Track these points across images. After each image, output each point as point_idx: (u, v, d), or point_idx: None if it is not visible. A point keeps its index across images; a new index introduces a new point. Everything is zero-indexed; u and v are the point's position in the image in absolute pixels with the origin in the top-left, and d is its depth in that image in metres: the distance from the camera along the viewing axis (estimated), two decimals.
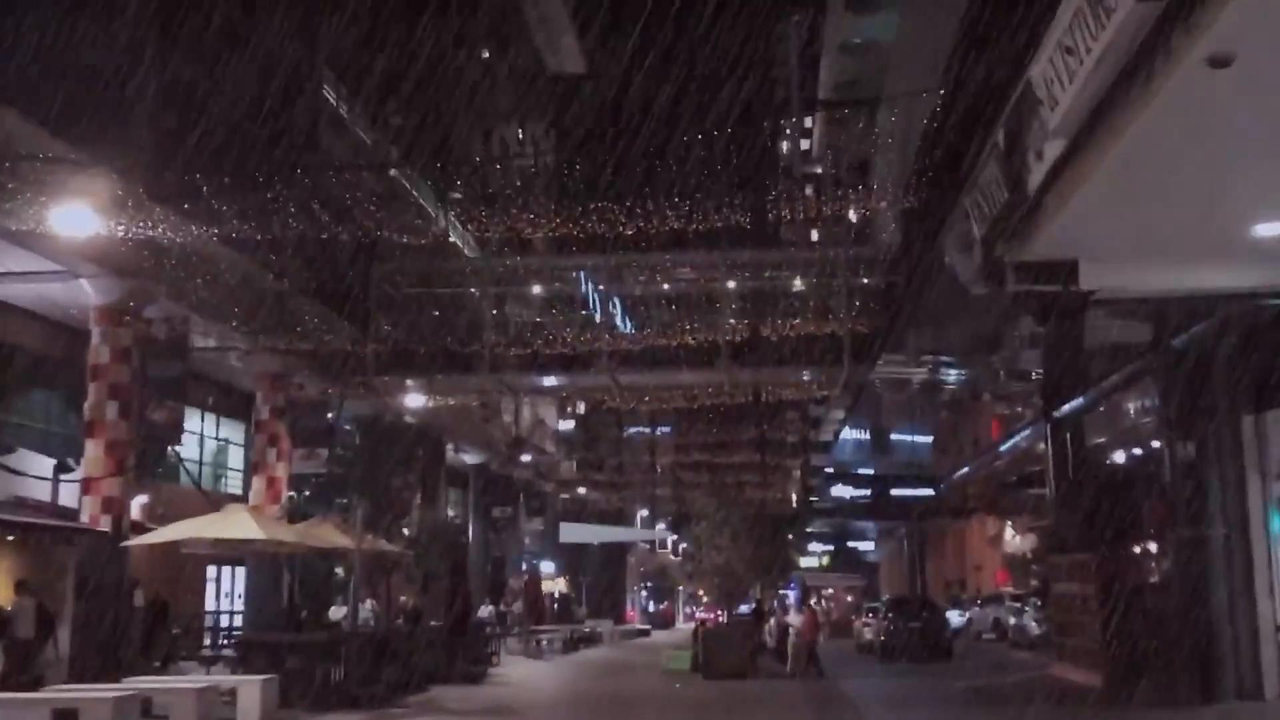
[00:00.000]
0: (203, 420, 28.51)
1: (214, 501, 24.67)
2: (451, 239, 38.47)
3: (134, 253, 19.44)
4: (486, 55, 47.95)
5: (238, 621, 28.45)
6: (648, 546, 69.93)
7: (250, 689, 15.62)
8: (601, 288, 30.50)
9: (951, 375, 34.60)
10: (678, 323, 28.73)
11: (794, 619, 27.71)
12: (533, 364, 29.46)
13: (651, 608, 76.73)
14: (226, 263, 22.99)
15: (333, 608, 26.49)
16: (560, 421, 54.26)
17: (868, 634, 35.08)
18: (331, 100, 32.71)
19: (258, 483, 26.79)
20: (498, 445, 42.79)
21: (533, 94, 54.35)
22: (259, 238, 20.45)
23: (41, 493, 21.43)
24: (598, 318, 30.17)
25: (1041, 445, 24.10)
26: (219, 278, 22.79)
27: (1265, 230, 11.89)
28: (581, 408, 51.76)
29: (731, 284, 29.92)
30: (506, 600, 40.96)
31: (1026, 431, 32.27)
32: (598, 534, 59.95)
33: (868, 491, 61.11)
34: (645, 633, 54.28)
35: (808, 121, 70.70)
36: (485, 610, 35.05)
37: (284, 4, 26.78)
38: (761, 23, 65.10)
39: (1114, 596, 17.75)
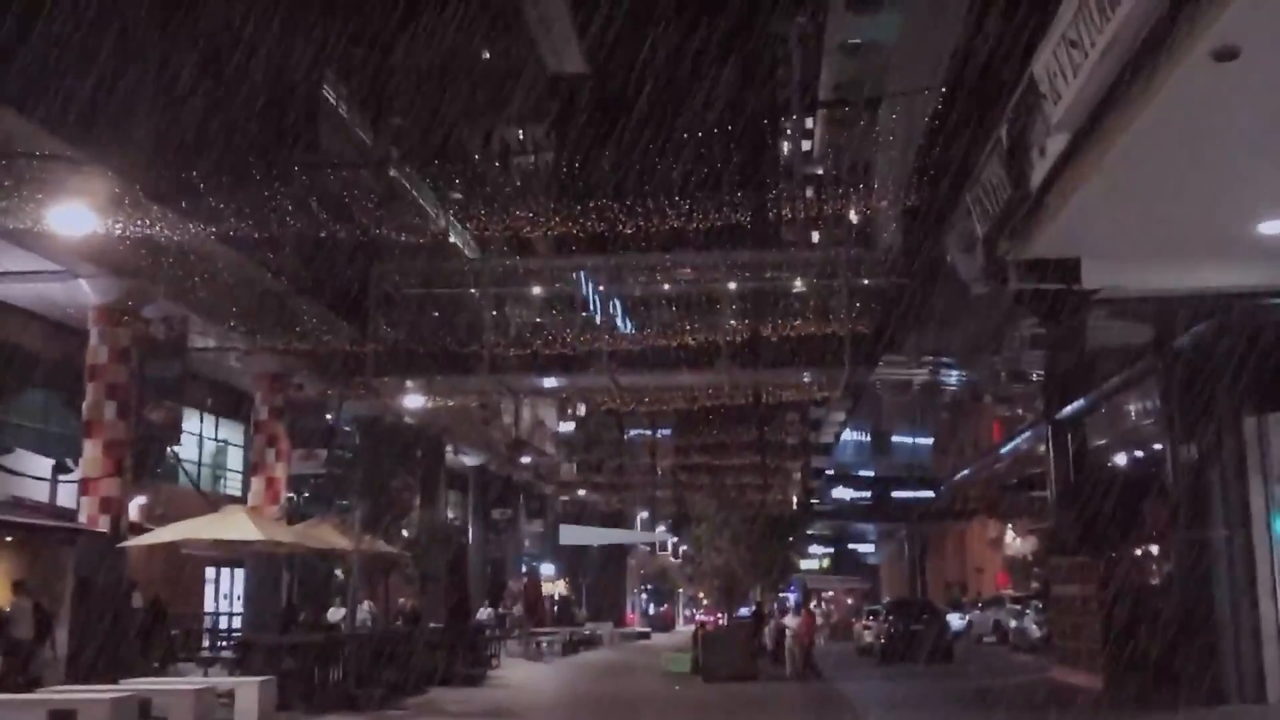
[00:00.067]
0: (201, 421, 28.45)
1: (212, 502, 24.62)
2: (451, 239, 38.47)
3: (132, 252, 19.41)
4: (487, 56, 47.93)
5: (237, 623, 28.40)
6: (648, 549, 69.87)
7: (248, 690, 15.55)
8: (601, 288, 30.46)
9: (952, 377, 34.52)
10: (678, 323, 28.69)
11: (790, 621, 27.66)
12: (532, 365, 29.42)
13: (651, 610, 76.65)
14: (225, 262, 22.95)
15: (331, 609, 26.43)
16: (560, 423, 54.22)
17: (868, 636, 35.01)
18: (331, 100, 32.66)
19: (256, 484, 26.73)
20: (497, 447, 42.74)
21: (533, 94, 54.30)
22: (257, 237, 20.40)
23: (40, 493, 21.41)
24: (598, 318, 30.13)
25: (1043, 447, 24.01)
26: (217, 277, 22.76)
27: (1269, 228, 11.81)
28: (581, 409, 51.75)
29: (732, 285, 29.87)
30: (506, 602, 40.89)
31: (1027, 433, 32.16)
32: (598, 536, 59.84)
33: (868, 493, 61.01)
34: (645, 635, 54.18)
35: (808, 122, 70.69)
36: (485, 612, 34.98)
37: (283, 2, 26.72)
38: (762, 24, 65.13)
39: (1115, 599, 17.68)
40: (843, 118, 56.45)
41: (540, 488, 51.63)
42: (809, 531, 65.74)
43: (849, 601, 52.28)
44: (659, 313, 30.23)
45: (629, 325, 30.70)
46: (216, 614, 28.77)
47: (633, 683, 25.82)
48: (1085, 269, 12.79)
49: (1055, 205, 11.32)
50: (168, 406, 21.94)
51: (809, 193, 49.07)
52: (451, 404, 33.37)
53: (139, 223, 18.01)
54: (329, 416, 29.19)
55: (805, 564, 63.53)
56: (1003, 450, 37.14)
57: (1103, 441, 21.07)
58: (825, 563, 73.78)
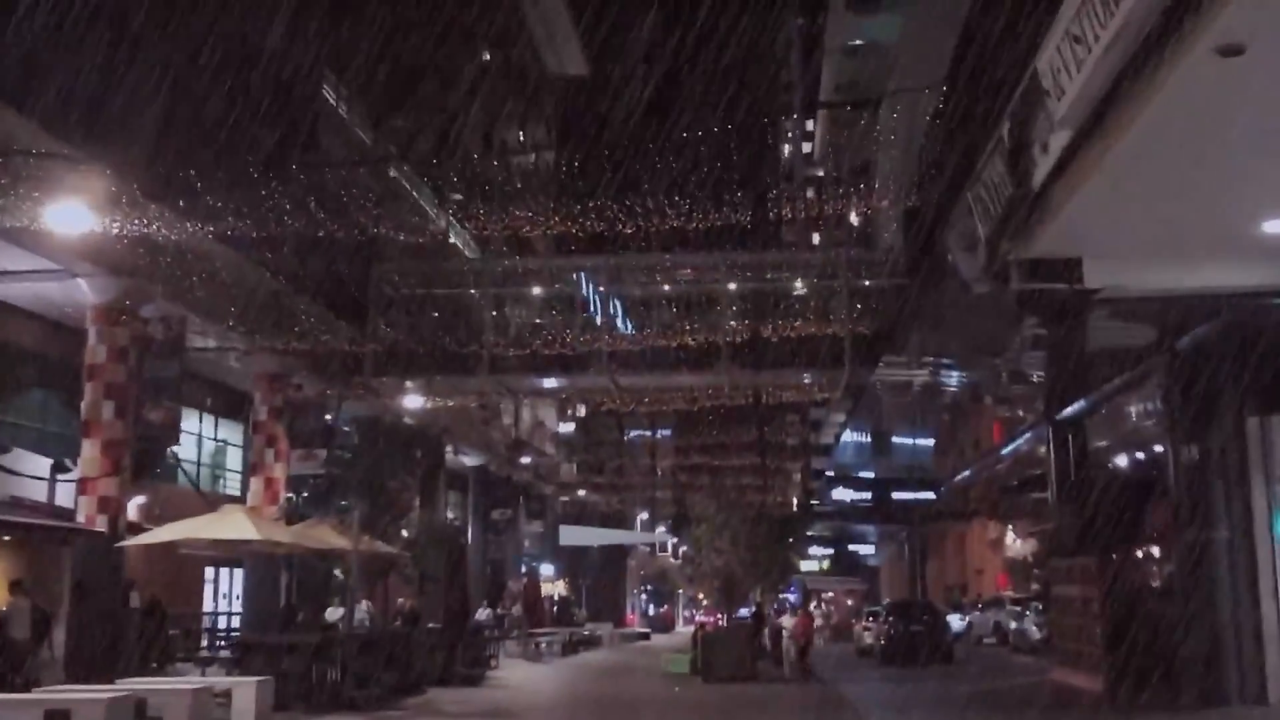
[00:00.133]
0: (201, 421, 28.39)
1: (211, 502, 24.56)
2: (451, 239, 38.43)
3: (130, 251, 19.35)
4: (487, 57, 47.88)
5: (236, 623, 28.34)
6: (648, 549, 69.84)
7: (245, 691, 15.48)
8: (601, 289, 30.43)
9: (953, 378, 34.48)
10: (678, 324, 28.66)
11: (786, 622, 27.64)
12: (532, 365, 29.38)
13: (651, 611, 76.61)
14: (223, 262, 22.89)
15: (329, 609, 26.37)
16: (560, 424, 54.20)
17: (868, 638, 34.96)
18: (331, 99, 32.62)
19: (255, 484, 26.67)
20: (497, 447, 42.70)
21: (533, 95, 54.28)
22: (256, 236, 20.35)
23: (38, 493, 21.33)
24: (597, 319, 30.10)
25: (1043, 448, 23.93)
26: (216, 277, 22.70)
27: (1273, 227, 11.74)
28: (581, 410, 51.73)
29: (732, 285, 29.85)
30: (505, 603, 40.83)
31: (1028, 435, 32.11)
32: (598, 536, 59.81)
33: (868, 495, 60.92)
34: (645, 636, 54.13)
35: (809, 124, 70.70)
36: (484, 613, 34.93)
37: (283, 1, 26.68)
38: (763, 25, 65.09)
39: (1116, 600, 17.60)
40: (843, 118, 56.45)
41: (540, 488, 51.60)
42: (809, 533, 65.72)
43: (849, 603, 52.22)
44: (659, 313, 30.22)
45: (629, 326, 30.67)
46: (215, 614, 28.71)
47: (632, 683, 25.76)
48: (1088, 268, 12.74)
49: (1058, 203, 11.26)
50: (166, 406, 21.88)
51: (809, 194, 49.16)
52: (451, 404, 33.33)
53: (137, 221, 17.93)
54: (328, 417, 29.15)
55: (805, 565, 63.51)
56: (1003, 451, 37.09)
57: (1104, 443, 21.00)
58: (825, 564, 73.74)
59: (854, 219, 46.10)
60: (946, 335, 25.83)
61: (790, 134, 72.62)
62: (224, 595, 29.16)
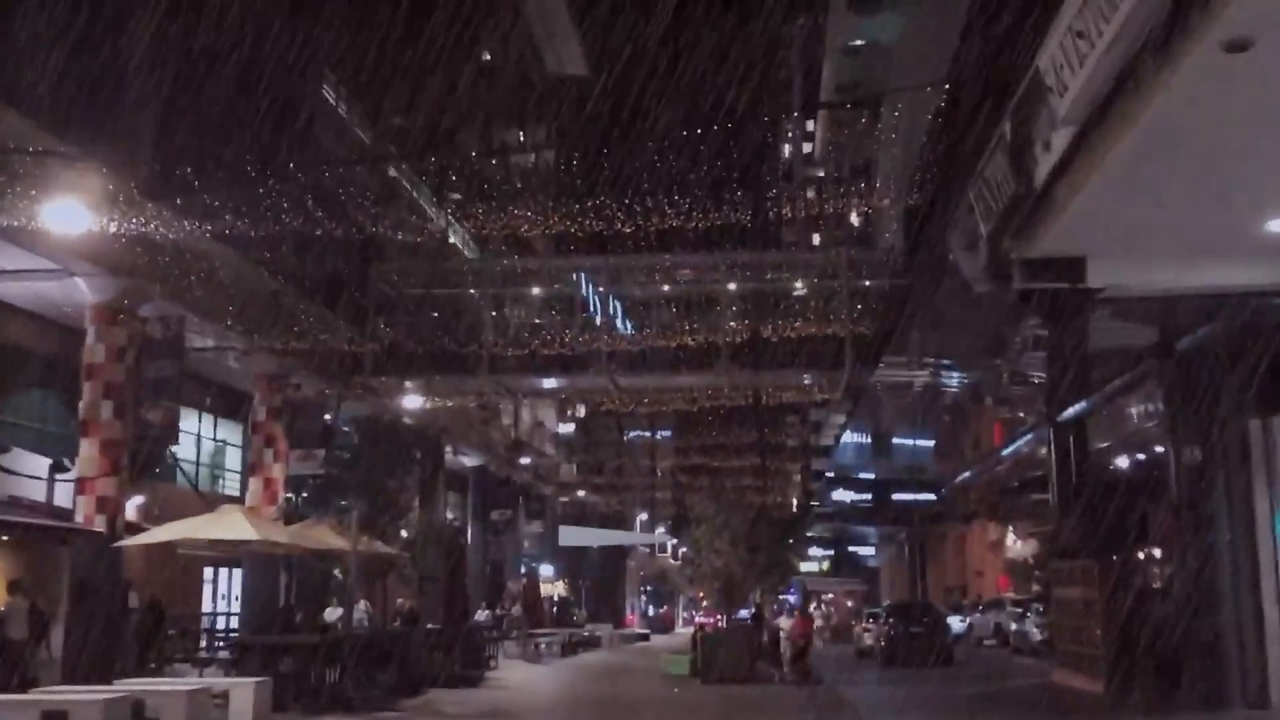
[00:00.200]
0: (200, 421, 28.34)
1: (210, 502, 24.49)
2: (451, 240, 38.39)
3: (128, 250, 19.29)
4: (487, 57, 47.85)
5: (234, 623, 28.29)
6: (647, 550, 69.78)
7: (243, 691, 15.43)
8: (601, 289, 30.39)
9: (953, 379, 34.46)
10: (677, 324, 28.61)
11: (783, 623, 27.60)
12: (531, 366, 29.33)
13: (651, 612, 76.55)
14: (222, 261, 22.84)
15: (328, 609, 26.31)
16: (560, 424, 54.15)
17: (868, 639, 34.93)
18: (330, 99, 32.58)
19: (254, 484, 26.62)
20: (497, 448, 42.65)
21: (532, 94, 54.23)
22: (254, 235, 20.30)
23: (36, 492, 21.28)
24: (597, 319, 30.05)
25: (1044, 450, 23.90)
26: (214, 276, 22.64)
27: (1278, 226, 11.65)
28: (581, 410, 51.67)
29: (732, 285, 29.82)
30: (505, 603, 40.77)
31: (1029, 436, 32.10)
32: (597, 537, 59.77)
33: (869, 496, 61.01)
34: (645, 637, 54.08)
35: (809, 124, 70.69)
36: (483, 613, 34.87)
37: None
38: (764, 25, 65.06)
39: (1117, 602, 17.55)
40: (844, 118, 56.43)
41: (540, 489, 51.54)
42: (809, 534, 65.73)
43: (849, 604, 52.18)
44: (658, 314, 30.18)
45: (628, 326, 30.63)
46: (215, 614, 28.65)
47: (631, 684, 25.71)
48: (1090, 267, 12.63)
49: (1061, 201, 11.16)
50: (165, 406, 21.82)
51: (809, 193, 49.14)
52: (450, 404, 33.28)
53: (135, 220, 17.89)
54: (327, 417, 29.10)
55: (805, 566, 63.54)
56: (1004, 453, 37.09)
57: (1105, 444, 20.96)
58: (825, 565, 73.77)
59: (854, 219, 46.10)
60: (947, 336, 25.79)
61: (790, 134, 72.57)
62: (223, 595, 29.09)
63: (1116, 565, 18.29)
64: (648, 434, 62.83)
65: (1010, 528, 43.68)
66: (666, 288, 30.54)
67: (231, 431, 30.03)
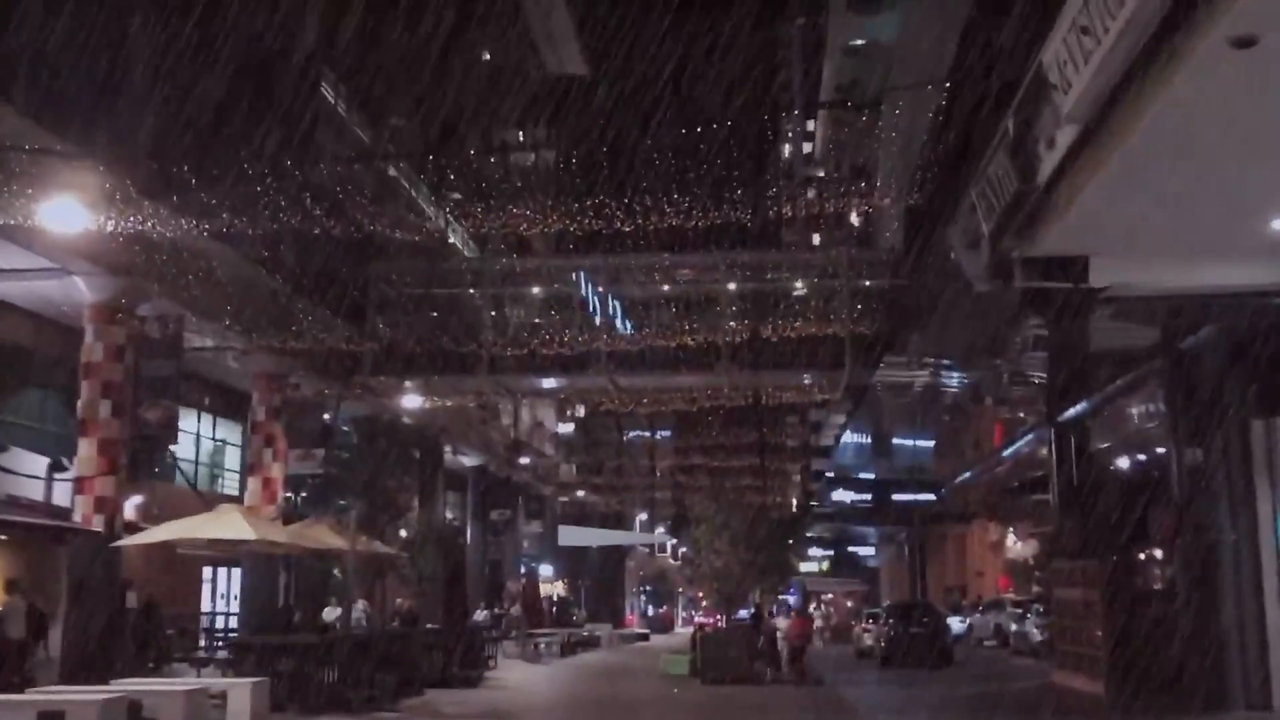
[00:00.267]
0: (199, 420, 28.30)
1: (209, 502, 24.46)
2: (450, 239, 38.33)
3: (126, 249, 19.23)
4: (486, 56, 47.80)
5: (233, 623, 28.24)
6: (647, 550, 69.76)
7: (240, 692, 15.38)
8: (600, 289, 30.33)
9: (954, 379, 34.41)
10: (677, 324, 28.55)
11: (781, 623, 27.57)
12: (531, 365, 29.27)
13: (650, 612, 76.50)
14: (220, 260, 22.77)
15: (326, 609, 26.28)
16: (559, 424, 54.11)
17: (868, 640, 34.87)
18: (329, 97, 32.52)
19: (253, 483, 26.57)
20: (496, 447, 42.61)
21: (532, 94, 54.16)
22: (252, 234, 20.24)
23: (35, 492, 21.25)
24: (596, 319, 29.99)
25: (1044, 450, 23.84)
26: (213, 275, 22.57)
27: None
28: (580, 410, 51.63)
29: (732, 285, 29.76)
30: (504, 603, 40.73)
31: (1029, 436, 32.06)
32: (597, 537, 59.74)
33: (868, 496, 61.01)
34: (644, 637, 54.03)
35: (809, 124, 70.62)
36: (482, 613, 34.83)
37: None
38: (764, 25, 64.98)
39: (1118, 604, 17.49)
40: (844, 117, 56.36)
41: (539, 489, 51.52)
42: (809, 534, 65.75)
43: (849, 604, 52.17)
44: (658, 313, 30.11)
45: (628, 326, 30.57)
46: (214, 614, 28.60)
47: (631, 685, 25.67)
48: (1093, 267, 12.57)
49: (1064, 200, 11.09)
50: (164, 405, 21.77)
51: (810, 193, 49.05)
52: (449, 404, 33.22)
53: (132, 219, 17.81)
54: (326, 416, 29.06)
55: (805, 566, 63.56)
56: (1004, 453, 37.06)
57: (1106, 444, 20.88)
58: (825, 565, 73.74)
59: (854, 219, 46.06)
60: (947, 336, 25.72)
61: (790, 134, 72.45)
62: (221, 595, 29.04)
63: (1117, 566, 18.23)
64: (647, 434, 62.82)
65: (1010, 528, 43.66)
66: (666, 287, 30.46)
67: (230, 431, 29.99)
